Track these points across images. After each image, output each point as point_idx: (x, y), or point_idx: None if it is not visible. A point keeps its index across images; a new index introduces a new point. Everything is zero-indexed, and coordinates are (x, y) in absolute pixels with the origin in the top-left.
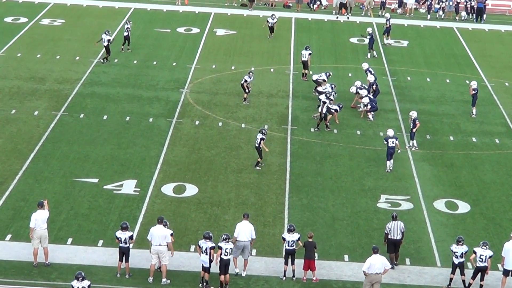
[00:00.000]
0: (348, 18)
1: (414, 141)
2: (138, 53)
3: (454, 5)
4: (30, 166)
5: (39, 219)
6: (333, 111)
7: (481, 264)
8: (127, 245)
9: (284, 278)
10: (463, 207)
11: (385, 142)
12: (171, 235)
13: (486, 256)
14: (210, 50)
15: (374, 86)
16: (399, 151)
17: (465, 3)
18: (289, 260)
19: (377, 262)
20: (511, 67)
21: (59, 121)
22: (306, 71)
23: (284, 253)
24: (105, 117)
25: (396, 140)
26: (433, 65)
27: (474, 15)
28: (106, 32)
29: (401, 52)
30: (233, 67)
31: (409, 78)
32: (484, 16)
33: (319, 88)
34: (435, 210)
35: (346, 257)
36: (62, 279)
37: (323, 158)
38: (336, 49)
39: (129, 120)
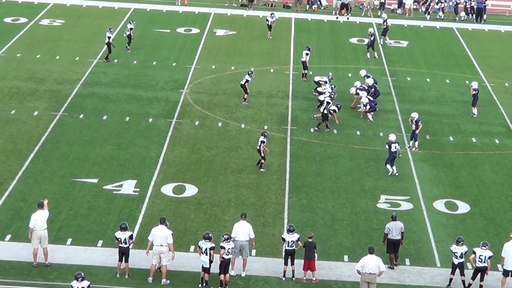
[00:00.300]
0: (348, 18)
1: (416, 142)
2: (138, 53)
3: (453, 5)
4: (29, 167)
5: (39, 219)
6: (331, 111)
7: (481, 265)
8: (127, 245)
9: (283, 279)
10: (463, 208)
11: (388, 147)
12: (172, 235)
13: (485, 257)
14: (209, 50)
15: (373, 89)
16: (400, 155)
17: (464, 4)
18: (289, 260)
19: (371, 262)
20: (511, 68)
21: (59, 122)
22: (306, 72)
23: (283, 253)
24: (104, 117)
25: (398, 145)
26: (433, 66)
27: (474, 15)
28: (109, 30)
29: (401, 53)
30: (232, 68)
31: (409, 79)
32: (485, 16)
33: (319, 89)
34: (434, 210)
35: (345, 257)
36: (61, 280)
37: (323, 158)
38: (336, 49)
39: (129, 120)
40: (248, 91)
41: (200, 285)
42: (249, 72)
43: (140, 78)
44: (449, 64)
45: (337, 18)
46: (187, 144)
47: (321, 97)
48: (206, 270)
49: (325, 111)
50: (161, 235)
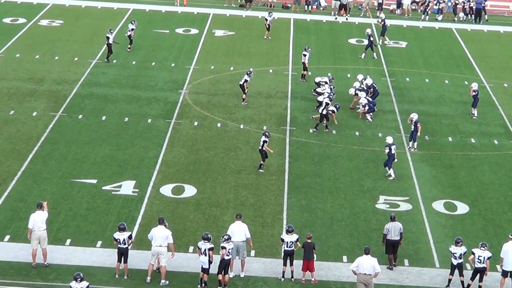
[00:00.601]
0: (346, 19)
1: (415, 143)
2: (137, 54)
3: (452, 6)
4: (28, 167)
5: (37, 220)
6: (330, 112)
7: (480, 265)
8: (126, 245)
9: (282, 279)
10: (462, 208)
11: (388, 150)
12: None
13: (484, 257)
14: (208, 51)
15: (372, 90)
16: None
17: (463, 4)
18: (288, 261)
19: (365, 263)
20: (510, 68)
21: (58, 122)
22: (305, 72)
23: (282, 254)
24: (103, 118)
25: (395, 147)
26: (432, 66)
27: (473, 16)
28: (110, 31)
29: (400, 53)
30: (231, 68)
31: (407, 79)
32: (486, 17)
33: (318, 89)
34: (433, 211)
35: (344, 258)
36: (60, 280)
37: (322, 159)
38: (335, 50)
39: (128, 121)
40: (246, 91)
41: (199, 286)
42: (248, 73)
43: (139, 78)
44: (448, 64)
45: (336, 18)
46: (186, 145)
47: (320, 98)
48: (205, 270)
49: (324, 112)
50: (160, 235)
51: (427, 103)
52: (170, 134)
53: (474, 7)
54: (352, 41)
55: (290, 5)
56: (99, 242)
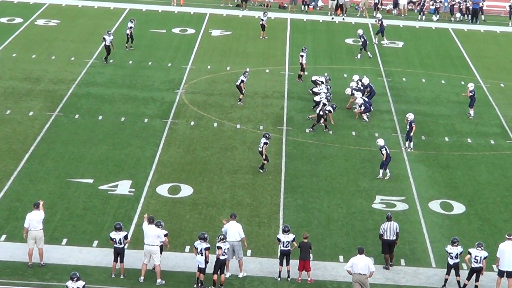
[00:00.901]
0: (343, 19)
1: (411, 143)
2: (134, 53)
3: (449, 6)
4: (25, 167)
5: (34, 219)
6: (326, 111)
7: (476, 265)
8: (122, 245)
9: (279, 279)
10: (458, 208)
11: (385, 151)
12: (166, 235)
13: (481, 257)
14: (205, 50)
15: (369, 89)
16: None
17: (459, 4)
18: (284, 260)
19: (360, 262)
20: (506, 68)
21: (54, 122)
22: (301, 73)
23: (279, 253)
24: (100, 117)
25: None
26: (429, 66)
27: (469, 16)
28: (108, 33)
29: (397, 53)
30: (228, 68)
31: (404, 79)
32: (483, 17)
33: (315, 89)
34: (430, 211)
35: (341, 257)
36: (56, 280)
37: (318, 158)
38: (332, 50)
39: (124, 120)
40: (243, 91)
41: (195, 285)
42: (244, 73)
43: (135, 78)
44: (445, 64)
45: (332, 18)
46: (182, 145)
47: (316, 98)
48: (201, 270)
49: (321, 112)
50: (152, 234)
51: (424, 103)
52: (166, 134)
53: (470, 7)
54: (349, 41)
55: (286, 5)
56: (96, 242)
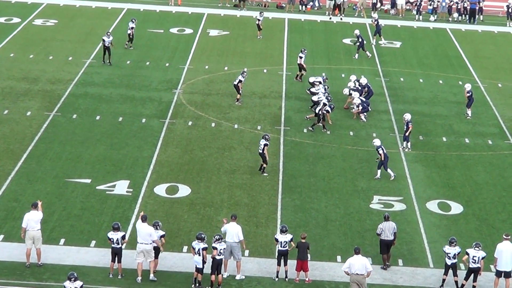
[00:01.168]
0: (341, 19)
1: (408, 143)
2: (131, 53)
3: (447, 6)
4: (22, 167)
5: (31, 219)
6: (325, 111)
7: (474, 265)
8: (119, 245)
9: (276, 279)
10: (456, 208)
11: (382, 152)
12: (163, 236)
13: (478, 257)
14: (203, 50)
15: (366, 89)
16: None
17: (456, 4)
18: (282, 261)
19: (357, 263)
20: (504, 68)
21: (52, 122)
22: (300, 73)
23: (276, 254)
24: (98, 117)
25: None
26: (426, 66)
27: (467, 16)
28: (107, 34)
29: (394, 53)
30: (226, 68)
31: (402, 79)
32: (481, 17)
33: (313, 89)
34: (427, 211)
35: (338, 258)
36: (54, 280)
37: (316, 159)
38: (329, 50)
39: (122, 120)
40: (241, 91)
41: (193, 286)
42: (242, 73)
43: (133, 78)
44: (442, 64)
45: (330, 18)
46: (180, 145)
47: (314, 98)
48: (199, 270)
49: (320, 112)
50: (144, 232)
51: (421, 103)
52: (164, 134)
53: (468, 7)
54: (347, 41)
55: (284, 5)
56: (93, 242)
